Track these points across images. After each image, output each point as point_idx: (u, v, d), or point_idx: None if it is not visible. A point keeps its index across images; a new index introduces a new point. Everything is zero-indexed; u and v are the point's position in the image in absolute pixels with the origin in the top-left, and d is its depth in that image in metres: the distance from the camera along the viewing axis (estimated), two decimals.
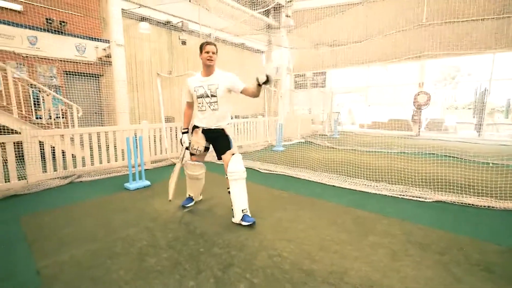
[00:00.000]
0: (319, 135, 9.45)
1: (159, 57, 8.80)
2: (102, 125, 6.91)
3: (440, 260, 1.90)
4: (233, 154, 2.57)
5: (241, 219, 2.44)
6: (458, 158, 5.19)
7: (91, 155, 4.25)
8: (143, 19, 8.04)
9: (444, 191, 3.27)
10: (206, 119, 2.57)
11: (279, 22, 11.00)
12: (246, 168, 4.86)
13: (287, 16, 9.74)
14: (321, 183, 3.81)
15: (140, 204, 3.03)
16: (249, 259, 1.92)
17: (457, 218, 2.62)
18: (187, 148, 2.72)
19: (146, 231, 2.37)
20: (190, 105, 2.72)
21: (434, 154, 5.42)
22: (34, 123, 5.39)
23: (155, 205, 2.99)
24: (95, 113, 7.30)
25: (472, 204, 2.89)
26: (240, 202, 2.47)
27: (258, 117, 7.86)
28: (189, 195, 2.96)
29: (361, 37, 10.01)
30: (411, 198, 3.14)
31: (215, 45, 2.49)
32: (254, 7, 8.86)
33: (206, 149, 2.71)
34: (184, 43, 8.59)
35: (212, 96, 2.50)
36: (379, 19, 9.78)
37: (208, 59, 2.44)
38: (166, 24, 8.66)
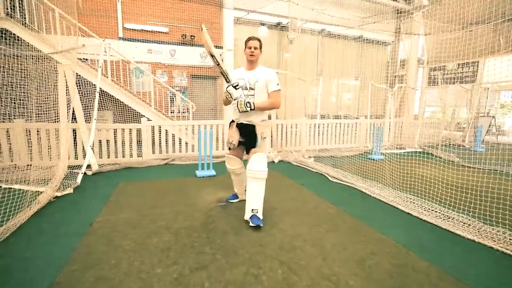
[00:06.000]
0: (452, 145, 7.10)
1: (270, 57, 9.31)
2: (215, 119, 8.17)
3: None
4: (257, 153, 2.48)
5: (249, 218, 2.41)
6: None
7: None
8: (262, 24, 8.79)
9: None
10: (241, 113, 2.53)
11: (412, 3, 9.01)
12: (319, 173, 4.47)
13: None
14: (393, 206, 2.91)
15: (192, 190, 3.41)
16: (224, 269, 1.78)
17: None
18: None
19: (174, 213, 2.66)
20: None
21: None
22: (166, 116, 7.13)
23: (203, 193, 3.28)
24: (211, 109, 8.74)
25: None
26: (252, 201, 2.43)
27: (360, 118, 6.85)
28: (235, 191, 3.05)
29: None
30: None
31: (258, 40, 2.47)
32: None
33: (241, 143, 2.68)
34: (291, 42, 8.68)
35: (251, 89, 2.50)
36: None
37: (250, 55, 2.46)
38: (277, 25, 9.04)
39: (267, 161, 2.53)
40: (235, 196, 3.04)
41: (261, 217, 2.43)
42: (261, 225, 2.36)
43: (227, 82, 2.41)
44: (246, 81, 2.50)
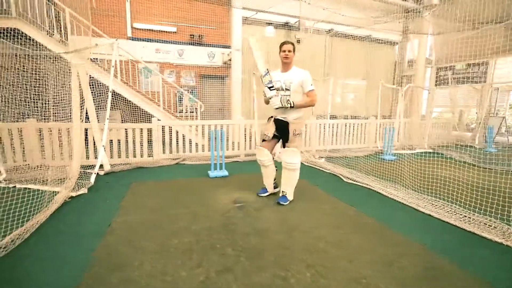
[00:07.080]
0: (462, 146, 7.00)
1: (277, 56, 9.26)
2: (223, 119, 8.14)
3: None
4: (289, 148, 2.83)
5: (282, 195, 2.92)
6: None
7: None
8: (269, 23, 8.74)
9: None
10: (277, 110, 2.87)
11: (421, 3, 8.91)
12: (331, 174, 4.44)
13: None
14: (412, 208, 2.85)
15: (206, 190, 3.38)
16: (250, 271, 1.74)
17: None
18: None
19: (191, 214, 2.63)
20: None
21: None
22: (175, 116, 7.11)
23: (217, 194, 3.24)
24: (220, 109, 8.71)
25: None
26: (283, 185, 2.92)
27: (370, 118, 6.78)
28: (264, 185, 3.17)
29: None
30: None
31: (292, 44, 2.81)
32: None
33: (276, 137, 2.97)
34: (298, 41, 8.62)
35: (286, 89, 2.79)
36: None
37: (284, 57, 2.80)
38: (285, 25, 9.00)
39: (299, 155, 2.83)
40: (265, 190, 3.16)
41: (289, 198, 2.90)
42: (283, 204, 2.84)
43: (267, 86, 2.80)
44: (282, 83, 2.80)
